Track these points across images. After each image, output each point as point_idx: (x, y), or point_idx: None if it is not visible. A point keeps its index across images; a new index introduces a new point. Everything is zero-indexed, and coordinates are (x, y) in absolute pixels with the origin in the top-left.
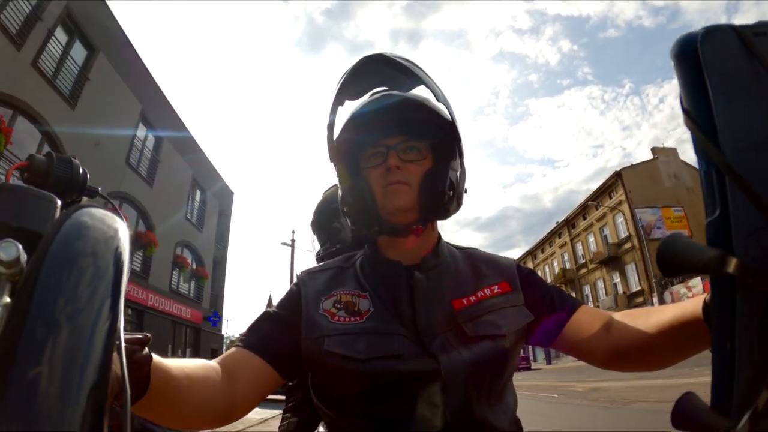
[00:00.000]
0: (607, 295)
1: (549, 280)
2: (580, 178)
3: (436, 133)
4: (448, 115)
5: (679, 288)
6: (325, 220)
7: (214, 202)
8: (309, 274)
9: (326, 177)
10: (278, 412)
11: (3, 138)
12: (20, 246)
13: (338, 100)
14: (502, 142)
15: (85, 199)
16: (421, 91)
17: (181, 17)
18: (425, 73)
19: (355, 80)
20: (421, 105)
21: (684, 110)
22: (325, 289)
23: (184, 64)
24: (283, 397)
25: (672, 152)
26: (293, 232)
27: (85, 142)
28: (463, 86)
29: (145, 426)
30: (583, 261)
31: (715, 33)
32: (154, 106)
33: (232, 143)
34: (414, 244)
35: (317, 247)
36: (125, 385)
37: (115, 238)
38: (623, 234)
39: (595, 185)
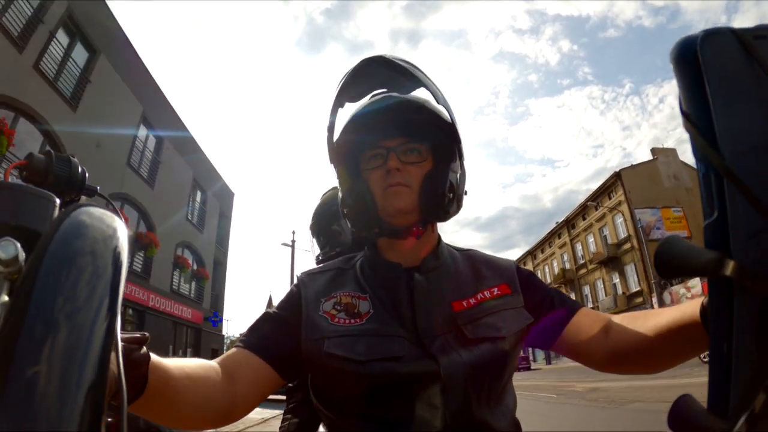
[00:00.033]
0: (606, 296)
1: (549, 280)
2: (580, 178)
3: (436, 134)
4: (448, 117)
5: (678, 288)
6: (324, 223)
7: (214, 202)
8: (309, 275)
9: (326, 178)
10: (279, 412)
11: (5, 140)
12: (19, 245)
13: (338, 102)
14: (502, 142)
15: (83, 198)
16: (421, 93)
17: (181, 17)
18: (425, 75)
19: (355, 82)
20: (421, 107)
21: (683, 113)
22: (325, 291)
23: (185, 64)
24: (284, 397)
25: (671, 153)
26: (293, 232)
27: (87, 143)
28: (463, 86)
29: (150, 426)
30: (582, 261)
31: (714, 36)
32: (154, 107)
33: (233, 144)
34: (414, 246)
35: (317, 250)
36: (122, 385)
37: (113, 238)
38: (623, 234)
39: (595, 185)
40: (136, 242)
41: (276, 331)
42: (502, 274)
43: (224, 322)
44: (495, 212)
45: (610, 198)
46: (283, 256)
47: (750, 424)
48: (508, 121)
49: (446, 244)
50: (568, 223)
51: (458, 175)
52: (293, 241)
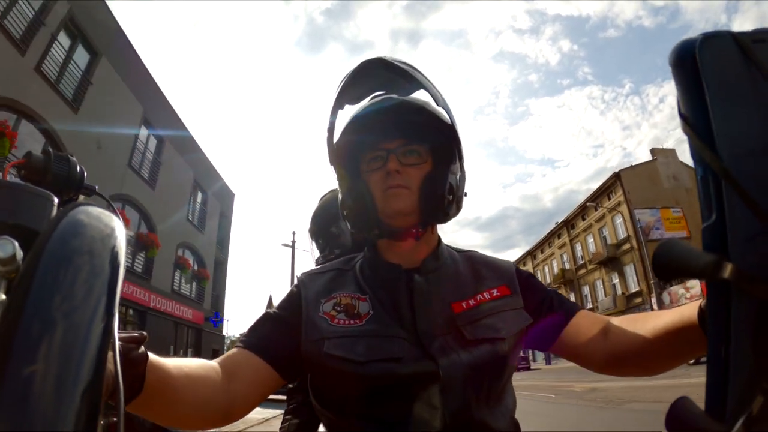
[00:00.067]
0: (605, 296)
1: (548, 280)
2: (581, 178)
3: (435, 136)
4: (448, 118)
5: (677, 289)
6: (322, 226)
7: (215, 203)
8: (309, 275)
9: (326, 179)
10: (280, 412)
11: (7, 142)
12: (16, 243)
13: (338, 104)
14: (502, 142)
15: (82, 197)
16: (420, 95)
17: (181, 17)
18: (425, 77)
19: (355, 84)
20: (420, 108)
21: (681, 116)
22: (325, 291)
23: (185, 64)
24: (285, 398)
25: (671, 153)
26: (294, 233)
27: (88, 144)
28: (463, 86)
29: (158, 428)
30: (582, 262)
31: (713, 39)
32: (155, 108)
33: (233, 145)
34: (414, 248)
35: (316, 254)
36: (119, 384)
37: (111, 237)
38: (622, 235)
39: (595, 185)
40: (137, 243)
41: (276, 331)
42: (502, 275)
43: (225, 323)
44: (495, 212)
45: (609, 198)
46: (283, 256)
47: (747, 426)
48: (508, 120)
49: (446, 245)
50: (568, 224)
51: (458, 176)
52: (293, 242)
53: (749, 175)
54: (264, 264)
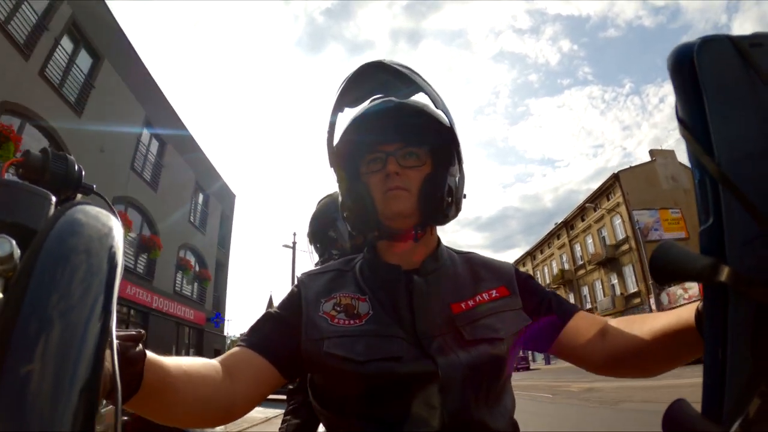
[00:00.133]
0: (604, 297)
1: (548, 281)
2: (581, 178)
3: (435, 138)
4: (447, 121)
5: (676, 290)
6: (320, 230)
7: (216, 204)
8: (309, 276)
9: (327, 180)
10: (282, 411)
11: (12, 146)
12: (14, 242)
13: (338, 107)
14: (502, 142)
15: (79, 196)
16: (420, 98)
17: (181, 17)
18: (424, 80)
19: (355, 87)
20: (420, 111)
21: (679, 119)
22: (325, 292)
23: (185, 65)
24: (285, 397)
25: (670, 154)
26: (294, 234)
27: (91, 147)
28: (464, 86)
29: (172, 429)
30: (581, 262)
31: (711, 43)
32: (157, 110)
33: (234, 146)
34: (413, 249)
35: (315, 258)
36: (117, 383)
37: (109, 236)
38: (621, 236)
39: (595, 185)
40: (140, 245)
41: (277, 330)
42: (501, 276)
43: (226, 323)
44: (495, 212)
45: (608, 199)
46: (284, 257)
47: (744, 429)
48: (508, 120)
49: (446, 246)
50: (567, 225)
51: (457, 178)
52: (294, 243)
53: (747, 179)
54: (265, 265)
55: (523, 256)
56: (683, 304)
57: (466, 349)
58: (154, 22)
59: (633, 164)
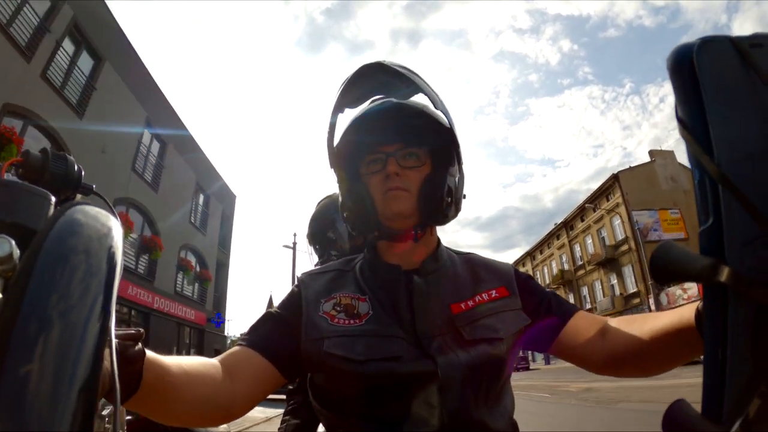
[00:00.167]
0: (604, 297)
1: (547, 281)
2: (581, 178)
3: (434, 139)
4: (447, 121)
5: (675, 290)
6: (319, 231)
7: (217, 205)
8: (309, 276)
9: (327, 180)
10: (282, 411)
11: (15, 148)
12: (13, 242)
13: (338, 108)
14: (503, 142)
15: (79, 196)
16: (419, 99)
17: (181, 17)
18: (423, 81)
19: (354, 88)
20: (419, 112)
21: (679, 120)
22: (325, 291)
23: (185, 65)
24: (285, 397)
25: (669, 155)
26: (295, 234)
27: (93, 149)
28: (464, 86)
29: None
30: (581, 263)
31: (711, 44)
32: (158, 111)
33: (234, 146)
34: (413, 249)
35: (315, 259)
36: (115, 382)
37: (108, 236)
38: (620, 236)
39: (595, 185)
40: (141, 246)
41: (277, 330)
42: (501, 277)
43: (226, 323)
44: (495, 212)
45: (608, 200)
46: (284, 257)
47: (744, 429)
48: (508, 120)
49: (446, 247)
50: (567, 225)
51: (456, 179)
52: (294, 243)
53: (747, 179)
54: (265, 265)
55: (522, 256)
56: (682, 305)
57: (466, 349)
58: (154, 22)
59: (633, 164)
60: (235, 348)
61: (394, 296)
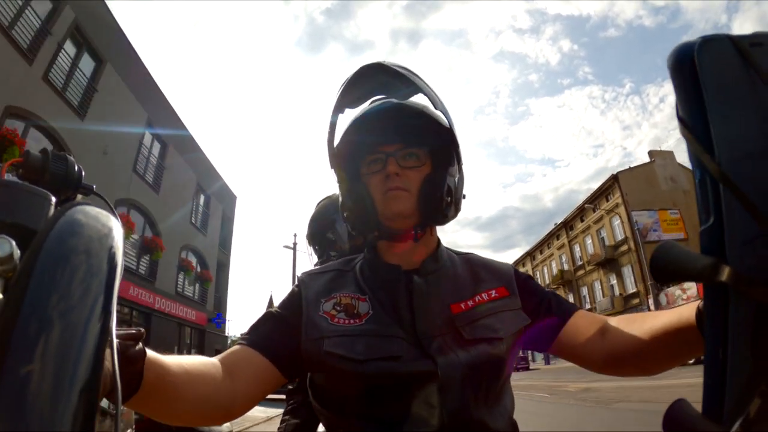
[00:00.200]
0: (603, 297)
1: (547, 281)
2: (581, 178)
3: (434, 139)
4: (447, 122)
5: (674, 290)
6: (319, 232)
7: (217, 206)
8: (310, 275)
9: (328, 180)
10: (282, 411)
11: (17, 150)
12: (14, 242)
13: (338, 108)
14: (503, 142)
15: (79, 196)
16: (419, 99)
17: (181, 17)
18: (423, 81)
19: (355, 88)
20: (419, 112)
21: (680, 119)
22: (325, 291)
23: (185, 65)
24: (285, 397)
25: (669, 155)
26: (295, 235)
27: (94, 150)
28: (464, 86)
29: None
30: (580, 263)
31: (711, 43)
32: (158, 113)
33: (235, 147)
34: (413, 249)
35: (315, 259)
36: (117, 382)
37: (108, 236)
38: (620, 236)
39: (595, 185)
40: (142, 246)
41: (277, 330)
42: (500, 277)
43: (227, 323)
44: (495, 212)
45: (607, 200)
46: (284, 258)
47: (745, 429)
48: (508, 120)
49: (446, 247)
50: (567, 225)
51: (456, 179)
52: (294, 244)
53: (747, 179)
54: (265, 265)
55: (522, 256)
56: (682, 305)
57: (466, 349)
58: (154, 22)
59: (633, 164)
60: (236, 347)
61: (394, 296)
